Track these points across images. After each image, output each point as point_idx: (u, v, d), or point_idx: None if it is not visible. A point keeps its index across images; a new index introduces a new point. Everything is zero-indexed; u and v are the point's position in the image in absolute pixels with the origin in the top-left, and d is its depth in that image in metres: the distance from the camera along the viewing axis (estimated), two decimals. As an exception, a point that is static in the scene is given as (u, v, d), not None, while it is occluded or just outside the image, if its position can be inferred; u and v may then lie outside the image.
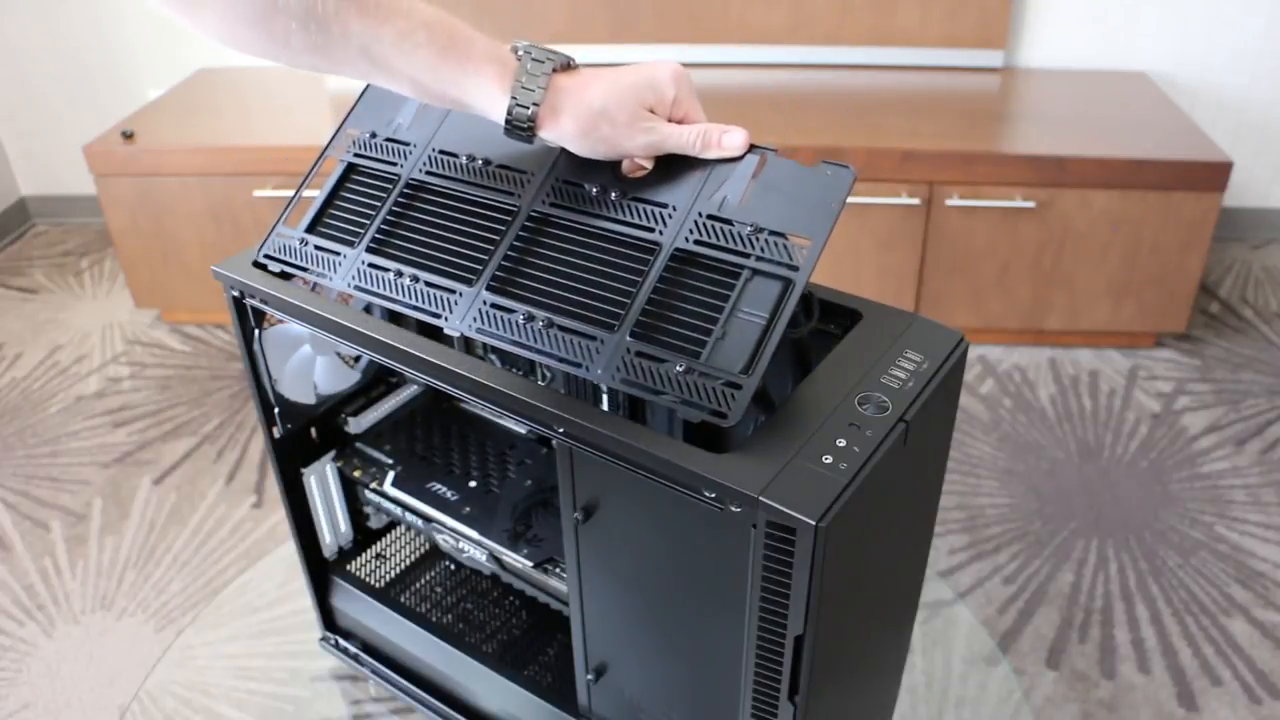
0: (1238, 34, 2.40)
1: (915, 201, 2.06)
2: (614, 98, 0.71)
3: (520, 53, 0.71)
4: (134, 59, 2.67)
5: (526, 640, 1.05)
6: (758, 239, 0.70)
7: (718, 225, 0.72)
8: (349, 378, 1.00)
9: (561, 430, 0.70)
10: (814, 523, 0.59)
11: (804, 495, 0.61)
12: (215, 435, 2.04)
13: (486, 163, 0.81)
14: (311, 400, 0.98)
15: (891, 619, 0.87)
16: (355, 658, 1.09)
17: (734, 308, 0.68)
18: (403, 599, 1.10)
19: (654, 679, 0.81)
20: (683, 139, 0.73)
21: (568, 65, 0.72)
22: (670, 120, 0.74)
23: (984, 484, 1.86)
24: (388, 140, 0.86)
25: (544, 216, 0.77)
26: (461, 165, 0.82)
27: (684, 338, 0.69)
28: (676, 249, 0.72)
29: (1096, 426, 2.00)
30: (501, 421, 1.06)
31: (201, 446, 2.01)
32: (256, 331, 0.90)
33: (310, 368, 0.95)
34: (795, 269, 0.68)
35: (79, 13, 2.60)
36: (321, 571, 1.09)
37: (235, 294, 0.87)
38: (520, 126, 0.70)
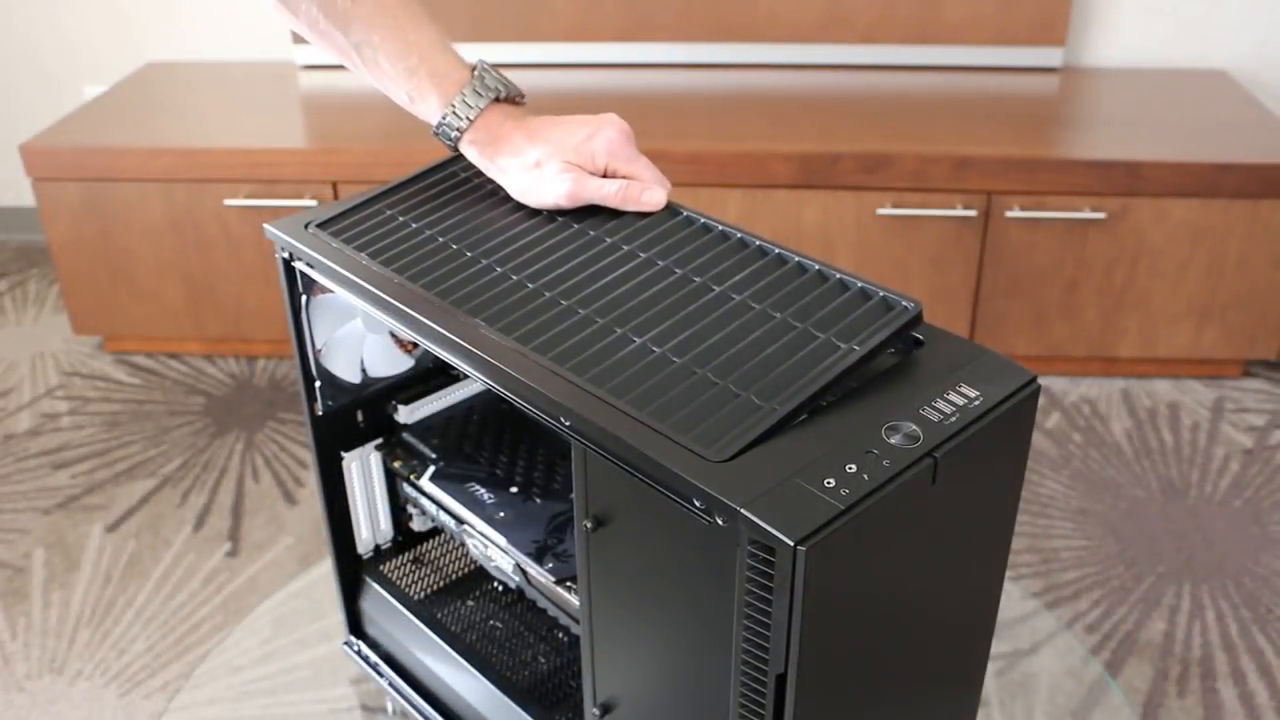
0: (1325, 28, 2.46)
1: (971, 213, 2.14)
2: (546, 146, 0.91)
3: (477, 72, 0.93)
4: (71, 52, 2.72)
5: (559, 679, 1.10)
6: None
7: None
8: (401, 363, 1.07)
9: (568, 424, 0.74)
10: (792, 543, 0.62)
11: (789, 513, 0.64)
12: (178, 477, 2.09)
13: None
14: (357, 379, 1.05)
15: (933, 676, 0.88)
16: (375, 667, 1.15)
17: None
18: (439, 615, 1.15)
19: (661, 710, 0.84)
20: (603, 190, 0.91)
21: (511, 99, 0.93)
22: (600, 174, 0.92)
23: (1056, 525, 1.94)
24: None
25: None
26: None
27: None
28: None
29: (1180, 463, 2.10)
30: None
31: (162, 489, 2.05)
32: (305, 298, 0.97)
33: (359, 344, 1.02)
34: None
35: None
36: (353, 570, 1.15)
37: (284, 255, 0.95)
38: (448, 137, 0.93)
